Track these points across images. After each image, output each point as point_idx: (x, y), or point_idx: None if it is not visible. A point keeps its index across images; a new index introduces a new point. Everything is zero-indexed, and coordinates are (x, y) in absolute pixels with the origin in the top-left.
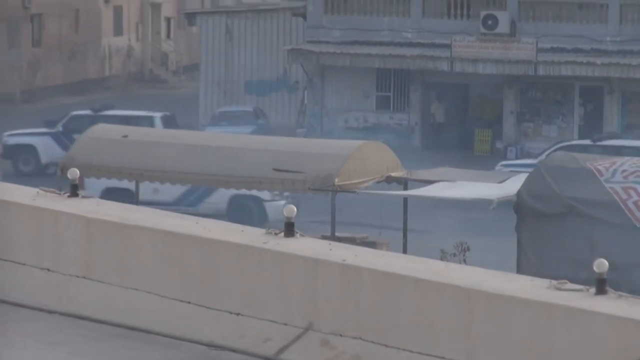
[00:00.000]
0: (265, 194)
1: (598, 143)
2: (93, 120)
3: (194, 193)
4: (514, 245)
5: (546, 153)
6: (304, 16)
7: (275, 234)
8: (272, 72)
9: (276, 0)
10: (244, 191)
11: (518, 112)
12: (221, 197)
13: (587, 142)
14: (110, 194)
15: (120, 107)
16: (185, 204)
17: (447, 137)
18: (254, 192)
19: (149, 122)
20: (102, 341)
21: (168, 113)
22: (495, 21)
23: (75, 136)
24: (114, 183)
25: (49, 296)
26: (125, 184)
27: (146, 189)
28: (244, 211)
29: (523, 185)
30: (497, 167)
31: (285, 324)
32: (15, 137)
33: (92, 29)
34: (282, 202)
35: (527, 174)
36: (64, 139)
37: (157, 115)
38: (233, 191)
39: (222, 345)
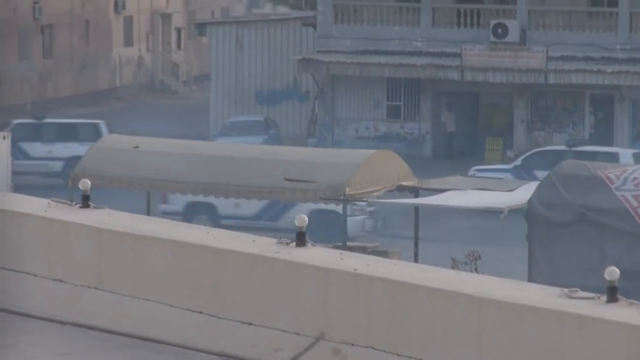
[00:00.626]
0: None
1: (573, 149)
2: (37, 129)
3: (274, 208)
4: (525, 254)
5: (521, 158)
6: (314, 26)
7: (287, 243)
8: (283, 81)
9: (286, 10)
10: (323, 205)
11: (529, 121)
12: (301, 211)
13: (562, 147)
14: (192, 208)
15: (132, 118)
16: (265, 219)
17: (457, 146)
18: (333, 207)
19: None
20: (114, 351)
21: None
22: (505, 30)
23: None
24: (197, 198)
25: (60, 307)
26: (209, 199)
27: (227, 204)
28: (323, 226)
29: (534, 194)
30: (471, 172)
31: (297, 334)
32: None
33: (102, 39)
34: (362, 217)
35: (538, 182)
36: None
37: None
38: (313, 205)
39: (233, 355)
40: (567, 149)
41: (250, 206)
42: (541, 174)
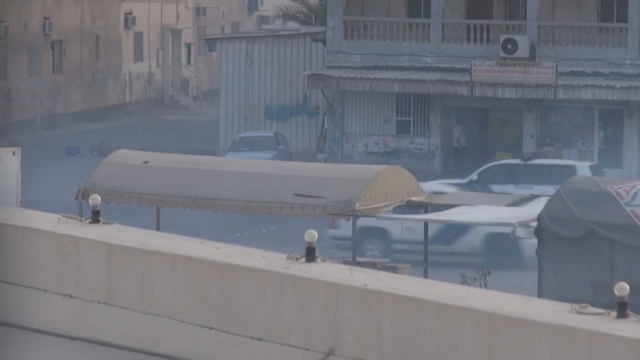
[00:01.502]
0: (520, 231)
1: (529, 162)
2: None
3: (448, 231)
4: (535, 269)
5: (477, 172)
6: (324, 41)
7: (297, 259)
8: (292, 97)
9: (296, 25)
10: (498, 229)
11: (538, 136)
12: (476, 235)
13: (516, 161)
14: (364, 233)
15: (140, 133)
16: (440, 242)
17: (467, 161)
18: (506, 230)
19: None
20: None
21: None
22: (515, 45)
23: None
24: (368, 222)
25: (70, 322)
26: (381, 223)
27: (399, 228)
28: (499, 249)
29: (544, 209)
30: (436, 185)
31: (307, 349)
32: None
33: (112, 55)
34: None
35: (547, 198)
36: None
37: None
38: (488, 229)
39: None
40: (522, 162)
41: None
42: (497, 187)
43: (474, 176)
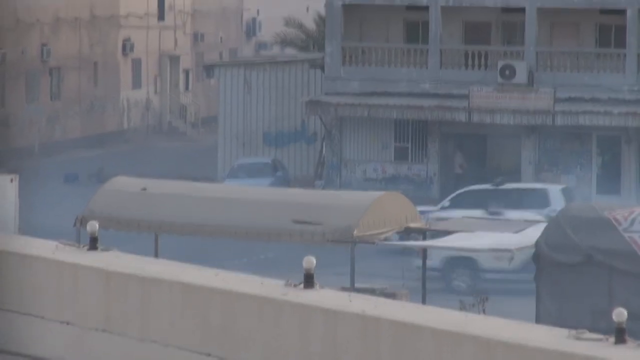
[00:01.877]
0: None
1: (500, 187)
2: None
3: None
4: (533, 296)
5: (448, 199)
6: (322, 68)
7: (295, 285)
8: (291, 123)
9: (294, 52)
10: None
11: (536, 162)
12: None
13: (487, 186)
14: (452, 263)
15: (138, 160)
16: (530, 271)
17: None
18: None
19: None
20: None
21: None
22: (513, 71)
23: None
24: (456, 253)
25: (69, 349)
26: (469, 252)
27: (488, 257)
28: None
29: (541, 235)
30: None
31: None
32: None
33: (110, 82)
34: None
35: (545, 224)
36: None
37: None
38: None
39: None
40: (493, 187)
41: (514, 259)
42: (469, 213)
43: (445, 203)
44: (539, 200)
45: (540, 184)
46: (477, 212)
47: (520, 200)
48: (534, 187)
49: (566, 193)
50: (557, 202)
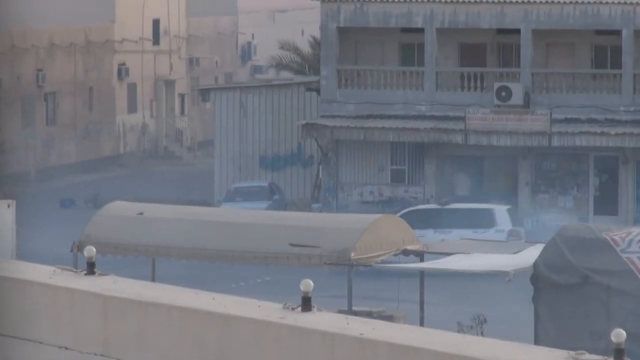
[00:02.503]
0: None
1: (446, 207)
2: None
3: None
4: (531, 316)
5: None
6: (318, 91)
7: (293, 308)
8: (287, 147)
9: (290, 75)
10: None
11: (533, 184)
12: None
13: (434, 206)
14: None
15: (134, 184)
16: None
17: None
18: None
19: None
20: None
21: None
22: (509, 93)
23: None
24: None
25: None
26: None
27: None
28: None
29: (539, 256)
30: None
31: None
32: None
33: (106, 106)
34: None
35: (543, 245)
36: None
37: None
38: None
39: None
40: (439, 207)
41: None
42: (416, 233)
43: None
44: (485, 220)
45: (486, 205)
46: (426, 232)
47: (466, 219)
48: (480, 207)
49: (511, 213)
50: (503, 222)
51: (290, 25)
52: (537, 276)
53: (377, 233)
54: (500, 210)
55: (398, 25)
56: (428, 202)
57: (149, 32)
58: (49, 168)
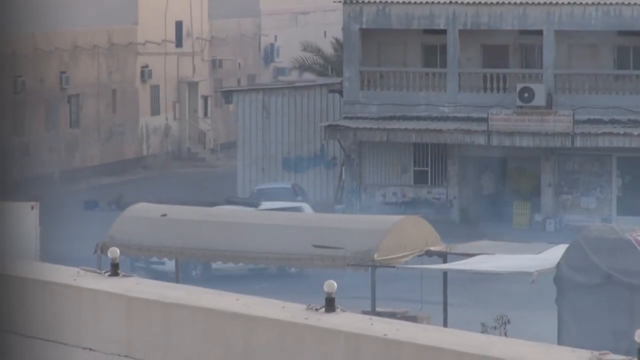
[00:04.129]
0: None
1: (258, 208)
2: None
3: None
4: (555, 317)
5: None
6: (341, 92)
7: (316, 309)
8: (310, 148)
9: (312, 77)
10: None
11: (556, 185)
12: None
13: (246, 207)
14: None
15: (157, 186)
16: None
17: (485, 210)
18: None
19: None
20: None
21: None
22: (532, 94)
23: None
24: None
25: None
26: None
27: None
28: None
29: (562, 257)
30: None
31: None
32: None
33: (129, 108)
34: None
35: (565, 246)
36: None
37: None
38: None
39: None
40: (252, 208)
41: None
42: None
43: None
44: None
45: (296, 203)
46: None
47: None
48: (290, 205)
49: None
50: None
51: (313, 26)
52: (560, 277)
53: (401, 234)
54: (308, 209)
55: (420, 26)
56: (451, 203)
57: (171, 34)
58: (73, 170)
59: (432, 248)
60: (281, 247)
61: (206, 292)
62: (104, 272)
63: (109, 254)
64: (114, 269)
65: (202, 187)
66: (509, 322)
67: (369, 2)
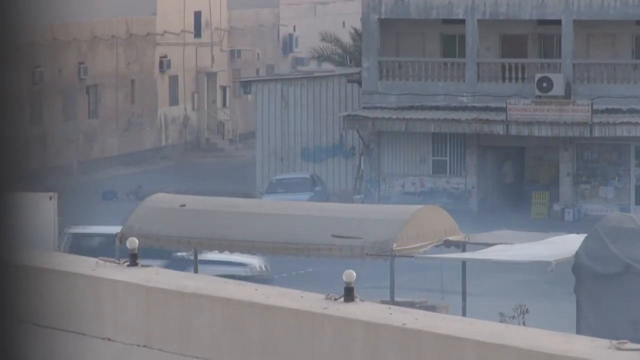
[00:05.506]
0: None
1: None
2: None
3: None
4: (573, 307)
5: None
6: (359, 82)
7: (335, 299)
8: (329, 138)
9: (331, 67)
10: None
11: (574, 174)
12: None
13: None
14: None
15: (176, 177)
16: None
17: (504, 200)
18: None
19: None
20: None
21: None
22: (550, 83)
23: None
24: None
25: None
26: None
27: None
28: None
29: (581, 247)
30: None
31: None
32: None
33: (147, 99)
34: None
35: (584, 235)
36: None
37: None
38: None
39: None
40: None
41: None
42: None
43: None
44: None
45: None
46: None
47: None
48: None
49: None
50: None
51: (332, 17)
52: (578, 266)
53: (419, 224)
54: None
55: (439, 16)
56: (470, 193)
57: (190, 24)
58: (91, 161)
59: (451, 238)
60: (299, 237)
61: (225, 282)
62: (123, 263)
63: (128, 244)
64: (133, 259)
65: (221, 177)
66: (527, 311)
67: None
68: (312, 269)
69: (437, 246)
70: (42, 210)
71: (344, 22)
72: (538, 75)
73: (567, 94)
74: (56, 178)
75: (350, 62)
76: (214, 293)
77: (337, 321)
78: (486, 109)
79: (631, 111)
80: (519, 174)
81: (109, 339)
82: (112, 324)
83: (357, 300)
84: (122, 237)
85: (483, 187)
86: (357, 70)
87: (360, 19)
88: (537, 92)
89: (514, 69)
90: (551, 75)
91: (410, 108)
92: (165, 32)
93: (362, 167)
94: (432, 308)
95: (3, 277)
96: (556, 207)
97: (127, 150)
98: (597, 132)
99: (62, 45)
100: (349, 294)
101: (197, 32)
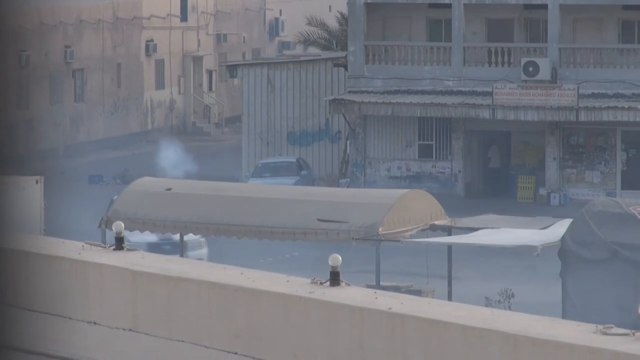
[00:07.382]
0: None
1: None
2: None
3: None
4: (559, 291)
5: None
6: (345, 66)
7: (321, 283)
8: (314, 122)
9: (317, 51)
10: None
11: (560, 158)
12: None
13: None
14: None
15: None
16: None
17: (490, 184)
18: None
19: None
20: None
21: None
22: (536, 68)
23: None
24: None
25: (95, 350)
26: None
27: None
28: None
29: (567, 232)
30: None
31: None
32: None
33: (134, 83)
34: None
35: (570, 220)
36: None
37: None
38: None
39: None
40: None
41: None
42: None
43: None
44: None
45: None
46: None
47: None
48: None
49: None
50: None
51: (318, 1)
52: (565, 251)
53: (405, 208)
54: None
55: (425, 0)
56: (456, 177)
57: (176, 8)
58: (77, 144)
59: (437, 222)
60: (286, 222)
61: (211, 266)
62: (109, 246)
63: (114, 228)
64: (119, 243)
65: (207, 161)
66: (513, 295)
67: None
68: (298, 253)
69: (423, 230)
70: (28, 193)
71: (330, 6)
72: (524, 60)
73: (553, 79)
74: (42, 162)
75: (337, 46)
76: (199, 277)
77: (322, 305)
78: (472, 93)
79: (617, 96)
80: (505, 158)
81: (95, 323)
82: (97, 307)
83: (342, 284)
84: (108, 221)
85: (469, 171)
86: (343, 54)
87: (347, 3)
88: (523, 77)
89: (500, 53)
90: (537, 60)
91: (396, 92)
92: (151, 15)
93: (348, 151)
94: (417, 292)
95: None
96: (542, 191)
97: (113, 134)
98: (583, 117)
99: (48, 29)
100: (334, 278)
101: (184, 16)
